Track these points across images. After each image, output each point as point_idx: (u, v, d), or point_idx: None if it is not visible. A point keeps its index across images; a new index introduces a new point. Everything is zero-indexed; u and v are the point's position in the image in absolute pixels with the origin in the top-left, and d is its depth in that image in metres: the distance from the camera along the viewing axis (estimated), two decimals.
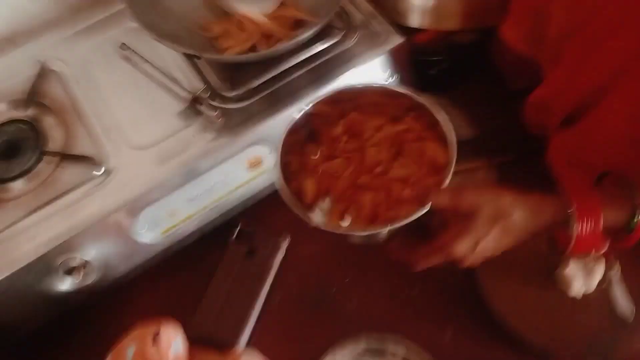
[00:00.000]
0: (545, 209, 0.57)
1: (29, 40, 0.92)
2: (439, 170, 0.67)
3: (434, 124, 0.70)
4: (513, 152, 0.89)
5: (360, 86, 0.73)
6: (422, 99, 0.69)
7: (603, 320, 0.73)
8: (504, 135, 0.91)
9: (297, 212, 0.64)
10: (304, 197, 0.68)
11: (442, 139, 0.68)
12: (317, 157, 0.71)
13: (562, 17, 0.71)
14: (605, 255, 0.76)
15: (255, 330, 0.84)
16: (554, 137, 0.74)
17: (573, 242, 0.57)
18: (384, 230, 0.63)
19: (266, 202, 0.88)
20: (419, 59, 0.97)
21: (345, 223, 0.66)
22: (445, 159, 0.66)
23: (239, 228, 0.90)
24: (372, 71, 0.84)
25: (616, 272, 0.75)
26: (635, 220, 0.54)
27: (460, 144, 0.93)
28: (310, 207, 0.67)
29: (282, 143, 0.69)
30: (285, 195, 0.66)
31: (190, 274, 0.89)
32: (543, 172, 0.81)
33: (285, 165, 0.68)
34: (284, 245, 0.89)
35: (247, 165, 0.81)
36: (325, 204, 0.68)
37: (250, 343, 0.83)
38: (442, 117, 0.67)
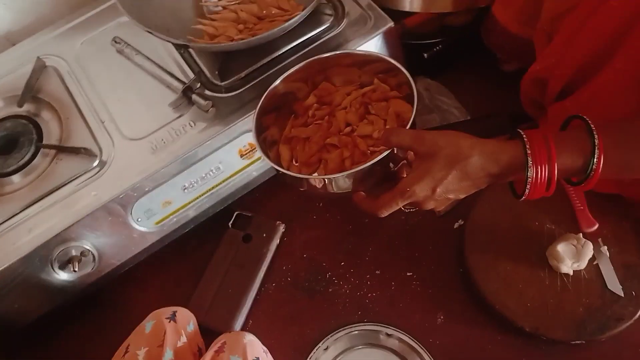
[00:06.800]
0: (503, 153, 0.56)
1: (24, 37, 0.94)
2: (404, 124, 0.66)
3: (399, 85, 0.70)
4: (502, 135, 0.89)
5: (328, 55, 0.74)
6: (391, 59, 0.69)
7: (594, 299, 0.73)
8: (494, 119, 0.91)
9: (277, 169, 0.67)
10: (282, 162, 0.72)
11: (408, 98, 0.69)
12: (291, 127, 0.75)
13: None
14: (594, 234, 0.76)
15: (250, 315, 0.85)
16: (551, 108, 0.73)
17: (529, 186, 0.56)
18: (341, 176, 0.63)
19: (262, 189, 0.89)
20: (412, 42, 0.97)
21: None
22: (409, 114, 0.66)
23: (236, 213, 0.91)
24: None
25: (606, 250, 0.75)
26: (592, 163, 0.53)
27: (451, 125, 0.93)
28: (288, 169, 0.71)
29: (254, 123, 0.70)
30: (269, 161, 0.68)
31: (187, 262, 0.91)
32: None
33: (263, 140, 0.71)
34: (280, 230, 0.90)
35: (239, 154, 0.82)
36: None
37: (245, 328, 0.84)
38: (407, 74, 0.67)
